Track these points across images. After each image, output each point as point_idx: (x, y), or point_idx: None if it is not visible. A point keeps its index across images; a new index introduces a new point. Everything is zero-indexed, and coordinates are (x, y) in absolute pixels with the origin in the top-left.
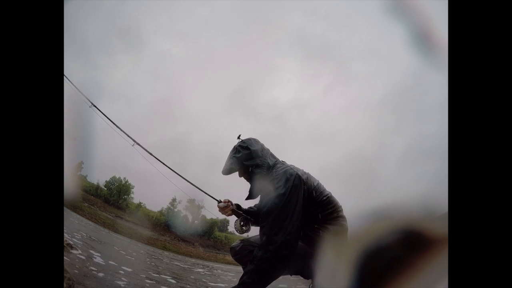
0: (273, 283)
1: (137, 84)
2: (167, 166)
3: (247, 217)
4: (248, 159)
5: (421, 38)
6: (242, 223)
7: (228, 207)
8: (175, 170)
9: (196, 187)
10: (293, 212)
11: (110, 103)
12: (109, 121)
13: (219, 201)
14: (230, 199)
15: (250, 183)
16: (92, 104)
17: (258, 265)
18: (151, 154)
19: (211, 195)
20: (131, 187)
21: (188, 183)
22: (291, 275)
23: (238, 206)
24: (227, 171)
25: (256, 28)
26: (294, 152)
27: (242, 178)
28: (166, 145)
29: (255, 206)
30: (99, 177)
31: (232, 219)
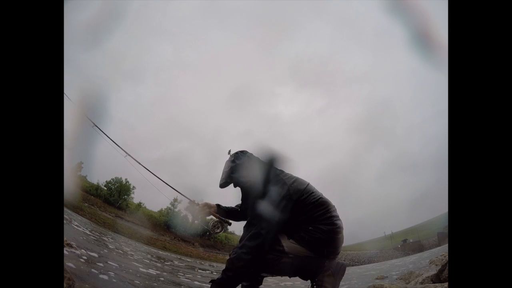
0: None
1: (143, 108)
2: (153, 174)
3: (221, 220)
4: (235, 171)
5: (421, 38)
6: (214, 225)
7: (203, 210)
8: (159, 176)
9: (174, 189)
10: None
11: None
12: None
13: (195, 203)
14: (208, 202)
15: (242, 192)
16: (95, 125)
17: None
18: (140, 164)
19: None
20: (131, 187)
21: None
22: (290, 277)
23: (218, 207)
24: (221, 185)
25: (258, 56)
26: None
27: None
28: (169, 159)
29: (237, 206)
30: (99, 177)
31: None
